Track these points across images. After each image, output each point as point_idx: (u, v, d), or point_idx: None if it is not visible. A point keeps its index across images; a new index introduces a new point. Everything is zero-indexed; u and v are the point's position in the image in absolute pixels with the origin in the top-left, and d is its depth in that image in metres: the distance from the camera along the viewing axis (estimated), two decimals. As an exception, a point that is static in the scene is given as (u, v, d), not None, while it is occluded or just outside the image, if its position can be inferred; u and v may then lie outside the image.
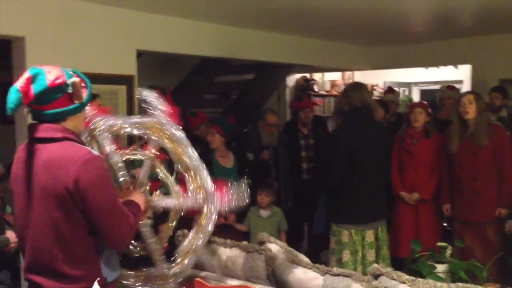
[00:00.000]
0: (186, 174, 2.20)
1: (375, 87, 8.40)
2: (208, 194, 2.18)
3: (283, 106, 7.31)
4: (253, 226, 4.23)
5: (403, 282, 2.07)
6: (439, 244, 3.51)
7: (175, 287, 2.23)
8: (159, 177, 2.32)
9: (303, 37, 5.54)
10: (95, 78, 3.50)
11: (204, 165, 2.24)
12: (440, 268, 3.36)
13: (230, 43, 4.76)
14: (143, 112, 3.93)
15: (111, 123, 2.27)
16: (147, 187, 2.31)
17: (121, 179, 2.23)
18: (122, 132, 2.28)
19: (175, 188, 2.28)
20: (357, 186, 3.46)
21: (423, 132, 4.28)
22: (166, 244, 2.34)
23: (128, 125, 2.27)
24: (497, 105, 4.70)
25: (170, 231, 2.35)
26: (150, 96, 2.30)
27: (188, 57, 5.25)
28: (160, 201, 2.28)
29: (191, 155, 2.21)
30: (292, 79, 7.49)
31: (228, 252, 2.60)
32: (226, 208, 2.24)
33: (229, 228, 4.10)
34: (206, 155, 4.16)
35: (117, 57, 3.78)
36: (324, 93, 7.80)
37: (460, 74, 7.49)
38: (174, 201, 2.26)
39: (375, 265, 2.20)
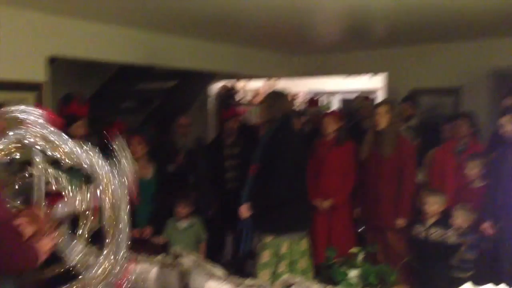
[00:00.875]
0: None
1: (297, 96, 8.59)
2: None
3: (206, 114, 7.29)
4: (171, 238, 4.17)
5: (313, 292, 2.12)
6: (351, 250, 3.65)
7: None
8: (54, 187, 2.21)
9: (227, 44, 5.56)
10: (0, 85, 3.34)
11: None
12: (352, 273, 3.47)
13: (151, 49, 4.68)
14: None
15: None
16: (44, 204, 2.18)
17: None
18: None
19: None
20: (297, 194, 3.52)
21: (335, 140, 4.43)
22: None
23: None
24: (408, 114, 4.94)
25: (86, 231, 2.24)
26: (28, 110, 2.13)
27: (107, 64, 5.10)
28: (57, 210, 2.15)
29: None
30: (214, 87, 7.49)
31: (139, 267, 2.54)
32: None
33: (146, 242, 4.03)
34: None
35: (25, 63, 3.59)
36: (247, 102, 7.87)
37: (376, 83, 7.83)
38: (69, 205, 2.14)
39: (286, 275, 2.23)
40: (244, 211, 3.59)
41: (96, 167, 2.03)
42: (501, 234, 3.82)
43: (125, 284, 2.17)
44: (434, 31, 5.15)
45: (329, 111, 4.96)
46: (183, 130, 4.62)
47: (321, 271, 3.74)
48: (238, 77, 7.14)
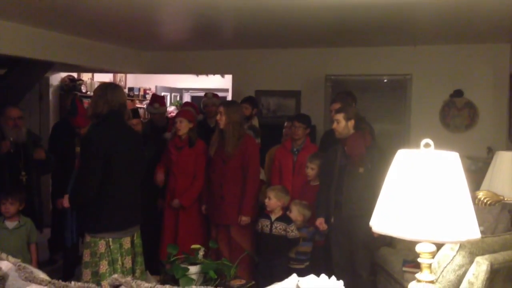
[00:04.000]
0: None
1: (147, 91, 8.42)
2: None
3: (46, 105, 6.77)
4: (-1, 239, 3.78)
5: (141, 291, 2.05)
6: (193, 246, 3.66)
7: None
8: None
9: (66, 34, 5.20)
10: None
11: None
12: (193, 269, 3.49)
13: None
14: None
15: None
16: None
17: None
18: None
19: None
20: (113, 194, 3.26)
21: (187, 141, 4.41)
22: None
23: None
24: (247, 114, 5.12)
25: None
26: None
27: None
28: None
29: None
30: (56, 78, 6.99)
31: None
32: None
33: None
34: None
35: None
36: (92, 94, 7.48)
37: (225, 83, 8.02)
38: None
39: (115, 275, 2.13)
40: (65, 202, 3.43)
41: None
42: (333, 229, 4.11)
43: None
44: (278, 37, 5.42)
45: (182, 110, 4.85)
46: (13, 122, 4.20)
47: (163, 268, 3.69)
48: (81, 69, 6.74)
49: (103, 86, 3.49)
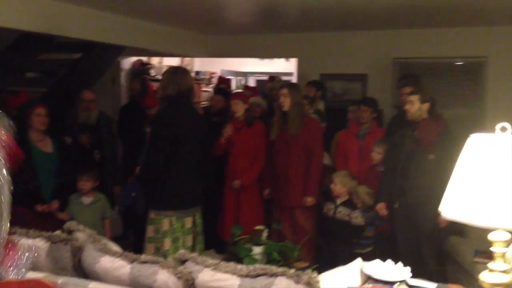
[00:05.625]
0: None
1: (213, 75, 8.54)
2: None
3: (118, 89, 7.05)
4: (75, 214, 4.00)
5: (207, 266, 2.12)
6: (256, 227, 3.71)
7: None
8: None
9: (137, 19, 5.36)
10: None
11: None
12: (257, 250, 3.54)
13: (51, 17, 4.36)
14: None
15: None
16: None
17: None
18: None
19: None
20: (178, 174, 3.41)
21: (244, 121, 4.47)
22: None
23: None
24: (311, 96, 5.08)
25: None
26: None
27: (3, 31, 4.72)
28: None
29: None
30: (127, 62, 7.24)
31: (31, 243, 2.40)
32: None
33: (51, 217, 3.84)
34: (22, 140, 3.83)
35: None
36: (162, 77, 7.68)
37: (290, 67, 7.98)
38: None
39: (182, 250, 2.21)
40: (137, 171, 3.54)
41: None
42: (397, 216, 4.03)
43: (13, 256, 2.05)
44: (344, 19, 5.31)
45: (235, 92, 4.93)
46: (86, 105, 4.42)
47: (227, 248, 3.78)
48: (150, 53, 6.93)
49: (173, 69, 3.61)
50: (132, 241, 4.75)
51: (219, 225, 4.50)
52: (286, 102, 4.23)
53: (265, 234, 3.66)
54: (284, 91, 4.26)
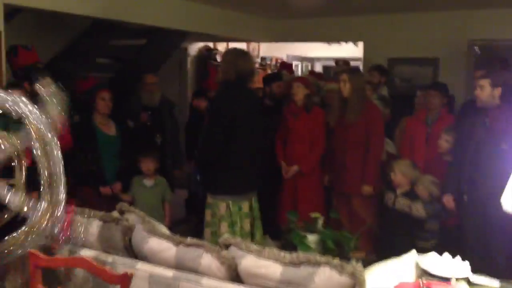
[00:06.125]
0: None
1: (279, 61, 8.47)
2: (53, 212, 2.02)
3: (185, 74, 7.17)
4: (137, 195, 4.12)
5: (250, 252, 2.09)
6: (312, 214, 3.63)
7: None
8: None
9: (201, 3, 5.39)
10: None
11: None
12: (312, 238, 3.47)
13: (117, 4, 4.47)
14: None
15: None
16: None
17: None
18: None
19: (22, 187, 2.12)
20: (235, 158, 3.40)
21: (303, 107, 4.38)
22: None
23: None
24: (375, 82, 4.89)
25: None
26: None
27: (78, 18, 4.92)
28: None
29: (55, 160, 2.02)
30: (194, 48, 7.34)
31: (85, 222, 2.49)
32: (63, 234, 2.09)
33: (114, 198, 3.98)
34: (87, 122, 3.99)
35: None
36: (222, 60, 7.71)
37: (359, 52, 7.75)
38: (14, 200, 2.08)
39: (226, 235, 2.20)
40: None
41: (22, 106, 1.98)
42: (465, 208, 3.80)
43: (68, 228, 2.14)
44: (412, -1, 5.05)
45: (299, 76, 4.84)
46: (149, 88, 4.53)
47: (282, 235, 3.73)
48: (216, 39, 6.97)
49: (233, 52, 3.58)
50: (193, 225, 4.84)
51: (277, 211, 4.46)
52: (346, 88, 4.10)
53: (320, 222, 3.58)
54: (344, 76, 4.13)
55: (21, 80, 3.55)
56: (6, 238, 2.10)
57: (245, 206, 3.46)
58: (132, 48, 5.75)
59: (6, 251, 2.06)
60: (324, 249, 3.48)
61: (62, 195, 2.03)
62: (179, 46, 5.87)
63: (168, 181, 4.28)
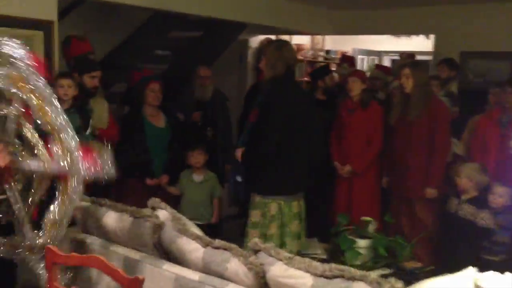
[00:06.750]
0: (51, 136, 2.01)
1: (345, 54, 8.14)
2: (73, 160, 1.98)
3: (245, 68, 7.05)
4: (185, 190, 4.05)
5: (280, 260, 1.91)
6: (363, 218, 3.39)
7: (40, 259, 2.07)
8: (27, 136, 2.13)
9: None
10: (5, 21, 3.25)
11: (71, 126, 2.05)
12: (361, 243, 3.24)
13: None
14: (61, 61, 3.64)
15: None
16: (17, 147, 2.12)
17: None
18: None
19: (42, 150, 2.09)
20: (288, 156, 3.22)
21: (359, 102, 4.12)
22: (34, 211, 2.16)
23: None
24: (444, 77, 4.51)
25: (37, 197, 2.17)
26: (11, 44, 2.06)
27: (137, 11, 4.93)
28: (26, 163, 2.08)
29: (56, 113, 2.00)
30: (255, 41, 7.19)
31: (117, 217, 2.41)
32: (92, 175, 2.05)
33: (162, 191, 3.94)
34: (136, 114, 3.96)
35: (35, 0, 3.45)
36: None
37: (429, 45, 7.28)
38: (40, 164, 2.07)
39: (255, 239, 2.03)
40: (238, 154, 3.36)
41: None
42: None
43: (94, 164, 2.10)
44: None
45: (355, 70, 4.56)
46: (201, 81, 4.44)
47: (329, 238, 3.52)
48: (278, 31, 6.78)
49: (277, 44, 3.41)
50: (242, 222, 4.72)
51: (329, 213, 4.24)
52: (408, 83, 3.80)
53: (373, 226, 3.33)
54: (406, 71, 3.83)
55: (72, 69, 3.56)
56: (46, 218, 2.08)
57: (295, 206, 3.28)
58: (190, 40, 5.70)
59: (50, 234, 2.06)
60: (375, 256, 3.24)
61: (71, 138, 2.04)
62: (236, 39, 5.74)
63: (218, 176, 4.17)
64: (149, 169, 3.87)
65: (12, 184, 2.12)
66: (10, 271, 2.49)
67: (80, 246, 2.39)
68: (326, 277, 1.78)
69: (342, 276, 1.74)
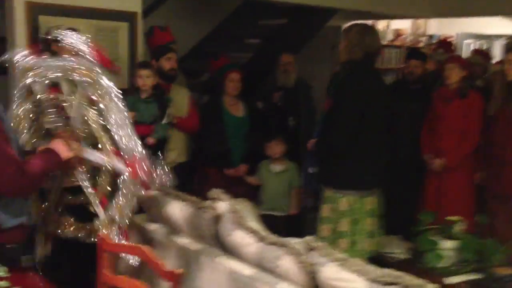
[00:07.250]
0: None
1: (448, 39, 7.56)
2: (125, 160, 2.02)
3: (336, 55, 6.81)
4: (264, 181, 4.00)
5: (333, 261, 1.77)
6: (448, 217, 3.10)
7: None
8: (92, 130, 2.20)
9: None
10: (92, 13, 3.41)
11: (131, 126, 2.08)
12: (446, 244, 2.96)
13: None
14: (146, 52, 3.75)
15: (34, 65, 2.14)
16: (81, 134, 2.20)
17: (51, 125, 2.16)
18: (46, 76, 2.14)
19: (106, 144, 2.14)
20: (364, 149, 3.00)
21: (456, 91, 3.74)
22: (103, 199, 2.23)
23: (53, 69, 2.12)
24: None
25: (105, 187, 2.23)
26: (70, 36, 2.12)
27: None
28: (90, 154, 2.15)
29: (118, 109, 2.03)
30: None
31: (180, 207, 2.42)
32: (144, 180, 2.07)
33: (240, 180, 3.93)
34: (215, 103, 3.96)
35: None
36: (385, 43, 7.12)
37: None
38: (103, 158, 2.12)
39: (309, 237, 1.91)
40: (310, 145, 3.22)
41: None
42: None
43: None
44: None
45: (453, 55, 4.14)
46: (284, 68, 4.33)
47: (410, 237, 3.27)
48: (375, 16, 6.43)
49: (361, 28, 3.17)
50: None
51: (416, 210, 3.94)
52: (511, 70, 3.38)
53: (460, 227, 3.03)
54: (510, 56, 3.41)
55: (151, 59, 3.65)
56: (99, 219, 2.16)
57: (368, 203, 3.06)
58: (277, 28, 5.62)
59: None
60: (462, 260, 2.95)
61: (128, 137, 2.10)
62: (323, 26, 5.53)
63: (300, 165, 4.05)
64: (227, 159, 3.86)
65: (80, 170, 2.20)
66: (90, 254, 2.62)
67: (144, 234, 2.44)
68: (380, 283, 1.62)
69: (396, 283, 1.58)
